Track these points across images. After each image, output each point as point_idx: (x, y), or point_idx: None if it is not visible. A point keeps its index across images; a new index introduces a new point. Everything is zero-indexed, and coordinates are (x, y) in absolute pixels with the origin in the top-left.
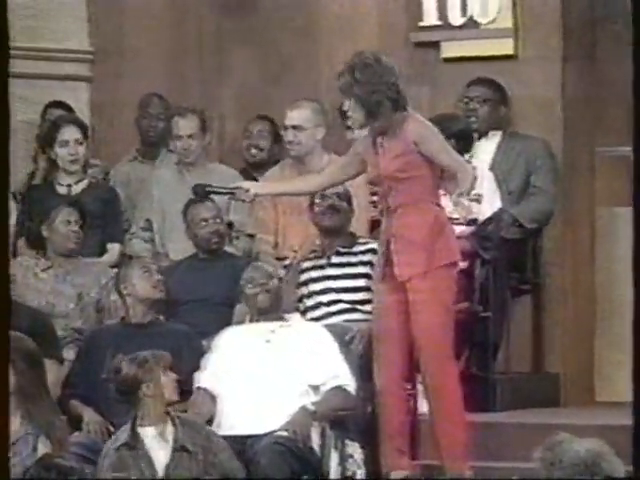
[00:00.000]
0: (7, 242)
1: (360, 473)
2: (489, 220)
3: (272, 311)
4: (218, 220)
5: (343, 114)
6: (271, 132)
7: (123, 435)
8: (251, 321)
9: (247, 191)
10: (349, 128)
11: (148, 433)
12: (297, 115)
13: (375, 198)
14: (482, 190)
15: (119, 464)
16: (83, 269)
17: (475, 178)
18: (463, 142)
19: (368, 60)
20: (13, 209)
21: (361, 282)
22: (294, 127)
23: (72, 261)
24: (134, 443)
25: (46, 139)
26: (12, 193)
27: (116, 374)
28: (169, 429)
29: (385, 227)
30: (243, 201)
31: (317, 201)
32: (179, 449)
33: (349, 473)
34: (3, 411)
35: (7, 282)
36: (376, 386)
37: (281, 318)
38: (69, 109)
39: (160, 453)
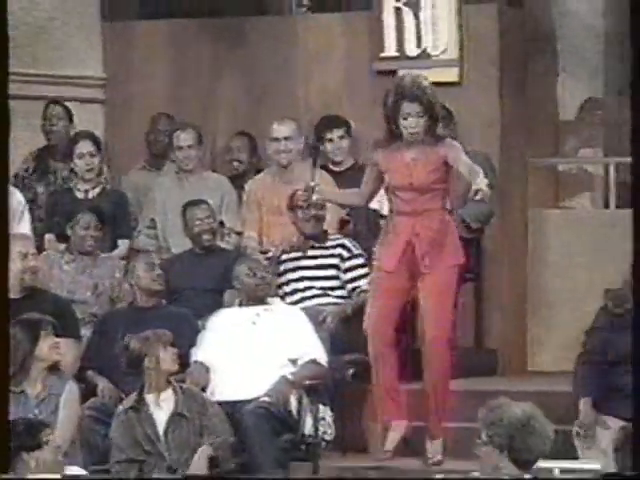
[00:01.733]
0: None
1: (330, 432)
2: None
3: (262, 298)
4: (210, 220)
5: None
6: (249, 146)
7: (131, 400)
8: (240, 305)
9: (313, 190)
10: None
11: (152, 399)
12: (286, 128)
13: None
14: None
15: (127, 423)
16: (99, 263)
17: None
18: None
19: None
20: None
21: (331, 272)
22: (285, 138)
23: (90, 256)
24: (140, 407)
25: (67, 152)
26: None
27: (125, 350)
28: (170, 396)
29: (404, 226)
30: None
31: (302, 211)
32: (177, 414)
33: (321, 432)
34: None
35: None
36: (369, 345)
37: (265, 302)
38: (65, 107)
39: (161, 417)
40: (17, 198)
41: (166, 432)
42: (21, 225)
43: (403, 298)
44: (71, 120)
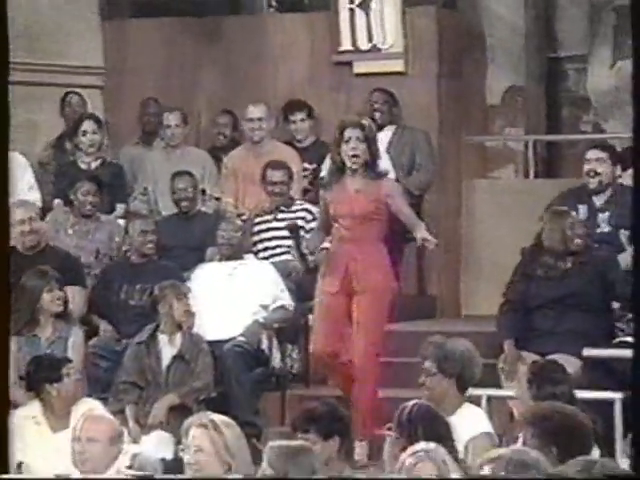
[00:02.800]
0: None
1: (296, 367)
2: None
3: (238, 254)
4: (190, 190)
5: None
6: (232, 123)
7: (145, 335)
8: (220, 260)
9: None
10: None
11: (163, 339)
12: (258, 110)
13: (306, 172)
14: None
15: (138, 353)
16: (100, 227)
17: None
18: None
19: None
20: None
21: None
22: (258, 119)
23: (92, 220)
24: (150, 342)
25: (72, 129)
26: (39, 163)
27: (149, 296)
28: (178, 340)
29: (344, 252)
30: None
31: (272, 185)
32: (179, 356)
33: (288, 366)
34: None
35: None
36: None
37: (240, 258)
38: (81, 96)
39: (167, 355)
40: (18, 160)
41: (168, 369)
42: (22, 183)
43: (345, 316)
44: (85, 106)
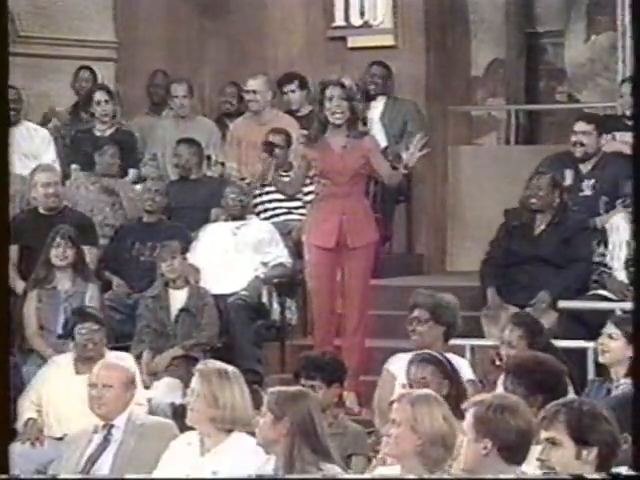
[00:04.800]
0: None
1: (294, 318)
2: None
3: (242, 215)
4: (190, 157)
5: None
6: (238, 94)
7: (155, 289)
8: (225, 220)
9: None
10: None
11: (171, 294)
12: (256, 83)
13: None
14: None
15: (150, 306)
16: (116, 186)
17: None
18: None
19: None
20: (52, 144)
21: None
22: (254, 91)
23: (110, 180)
24: (160, 296)
25: (85, 99)
26: (55, 126)
27: (155, 255)
28: (185, 294)
29: (335, 207)
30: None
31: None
32: (184, 310)
33: (287, 318)
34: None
35: (6, 289)
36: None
37: (244, 218)
38: (92, 71)
39: (176, 308)
40: (42, 134)
41: (176, 321)
42: (46, 156)
43: (336, 271)
44: (96, 80)
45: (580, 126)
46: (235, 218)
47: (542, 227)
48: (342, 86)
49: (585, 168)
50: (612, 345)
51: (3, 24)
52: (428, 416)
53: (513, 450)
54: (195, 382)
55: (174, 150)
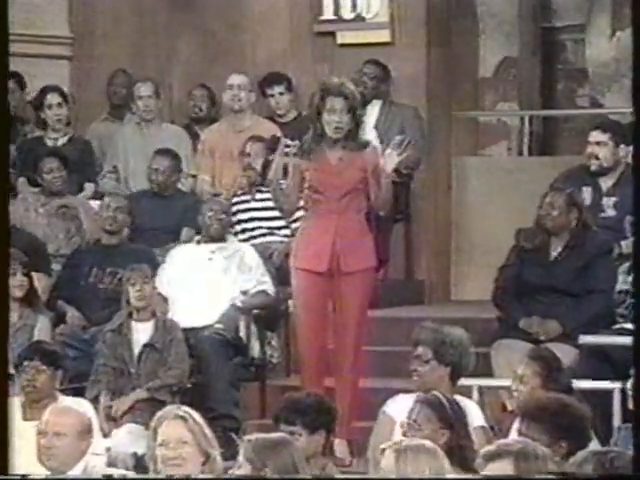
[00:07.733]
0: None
1: (276, 355)
2: None
3: (221, 236)
4: (168, 169)
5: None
6: (209, 97)
7: (116, 322)
8: (198, 243)
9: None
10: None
11: (133, 326)
12: (239, 78)
13: (288, 150)
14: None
15: (110, 342)
16: (72, 206)
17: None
18: None
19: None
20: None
21: (277, 213)
22: (238, 86)
23: (61, 199)
24: (122, 330)
25: (36, 103)
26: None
27: (117, 281)
28: (149, 327)
29: (325, 224)
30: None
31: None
32: (149, 345)
33: (268, 355)
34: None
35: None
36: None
37: (222, 240)
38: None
39: (139, 344)
40: None
41: (139, 358)
42: None
43: (328, 299)
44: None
45: (594, 136)
46: (213, 239)
47: (558, 251)
48: (345, 97)
49: (605, 184)
50: None
51: (3, 24)
52: (413, 470)
53: None
54: (172, 429)
55: (150, 162)
